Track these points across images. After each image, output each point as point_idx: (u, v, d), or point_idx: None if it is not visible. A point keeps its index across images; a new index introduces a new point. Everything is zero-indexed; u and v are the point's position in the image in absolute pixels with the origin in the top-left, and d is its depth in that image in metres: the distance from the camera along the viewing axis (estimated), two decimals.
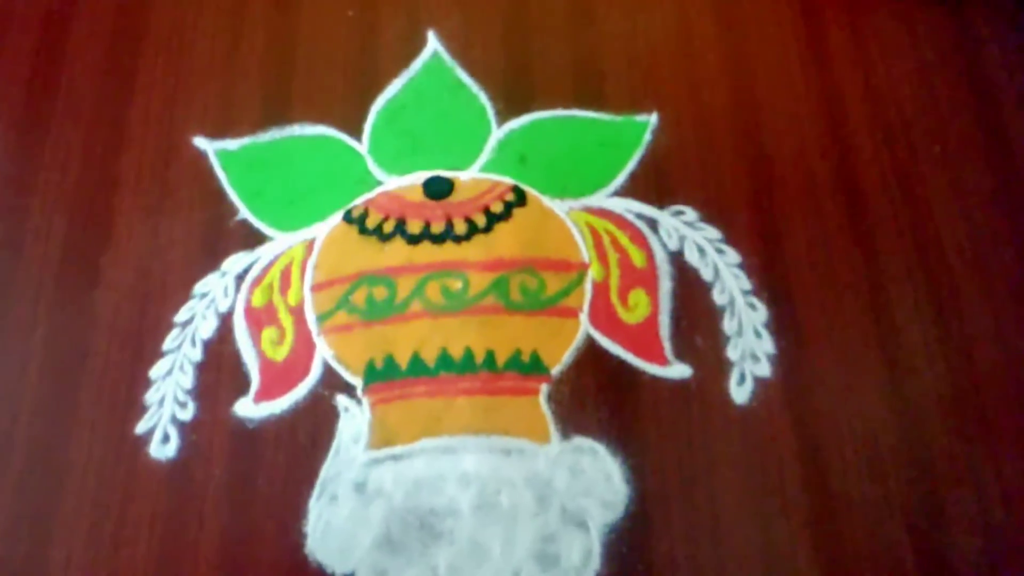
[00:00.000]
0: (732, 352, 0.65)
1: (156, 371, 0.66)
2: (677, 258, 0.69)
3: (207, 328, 0.67)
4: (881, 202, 0.70)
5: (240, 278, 0.69)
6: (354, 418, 0.64)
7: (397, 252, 0.69)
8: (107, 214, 0.72)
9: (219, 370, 0.66)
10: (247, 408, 0.65)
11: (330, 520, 0.60)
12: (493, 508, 0.61)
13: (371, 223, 0.70)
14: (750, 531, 0.60)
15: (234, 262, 0.70)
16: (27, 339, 0.67)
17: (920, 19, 0.77)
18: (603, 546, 0.60)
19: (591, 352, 0.66)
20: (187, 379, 0.66)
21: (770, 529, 0.60)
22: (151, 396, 0.65)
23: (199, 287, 0.69)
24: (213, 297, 0.68)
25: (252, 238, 0.71)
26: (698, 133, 0.74)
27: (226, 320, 0.68)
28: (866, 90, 0.75)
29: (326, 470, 0.62)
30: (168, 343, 0.67)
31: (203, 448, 0.63)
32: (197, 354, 0.67)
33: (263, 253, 0.70)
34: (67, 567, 0.60)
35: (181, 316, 0.68)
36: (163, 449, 0.64)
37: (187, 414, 0.65)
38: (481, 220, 0.70)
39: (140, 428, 0.64)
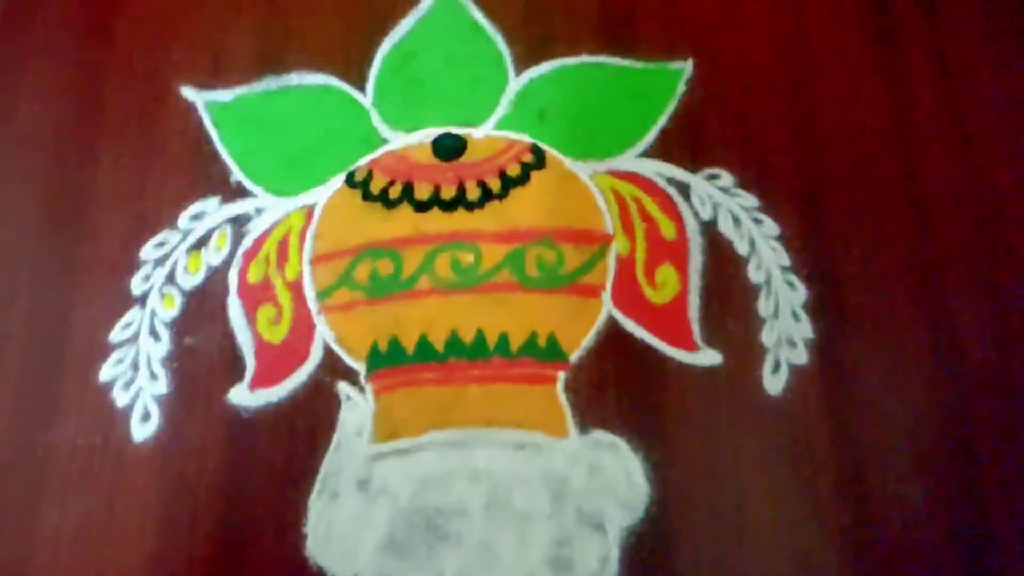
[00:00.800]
0: (767, 337, 0.60)
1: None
2: (710, 229, 0.63)
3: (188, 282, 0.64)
4: (940, 173, 0.63)
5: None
6: (357, 407, 0.60)
7: (404, 221, 0.64)
8: (88, 173, 0.66)
9: (211, 353, 0.62)
10: (242, 395, 0.60)
11: (331, 520, 0.57)
12: (505, 508, 0.57)
13: (375, 187, 0.65)
14: (780, 535, 0.56)
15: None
16: (8, 318, 0.63)
17: None
18: (621, 551, 0.56)
19: (613, 336, 0.61)
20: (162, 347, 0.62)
21: (802, 533, 0.56)
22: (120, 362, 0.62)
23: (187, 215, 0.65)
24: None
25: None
26: (738, 84, 0.67)
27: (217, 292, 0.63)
28: (934, 45, 0.67)
29: (327, 465, 0.58)
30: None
31: (195, 439, 0.59)
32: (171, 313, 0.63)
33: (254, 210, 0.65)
34: (52, 569, 0.57)
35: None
36: (144, 428, 0.60)
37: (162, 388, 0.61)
38: (496, 185, 0.64)
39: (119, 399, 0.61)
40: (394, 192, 0.64)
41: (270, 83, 0.68)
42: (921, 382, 0.59)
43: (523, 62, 0.68)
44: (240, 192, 0.66)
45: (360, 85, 0.68)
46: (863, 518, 0.56)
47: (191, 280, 0.64)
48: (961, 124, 0.65)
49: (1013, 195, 0.63)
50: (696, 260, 0.62)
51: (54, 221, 0.65)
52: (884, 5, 0.68)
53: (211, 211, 0.65)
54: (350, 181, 0.65)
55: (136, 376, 0.61)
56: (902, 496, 0.56)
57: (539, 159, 0.65)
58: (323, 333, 0.62)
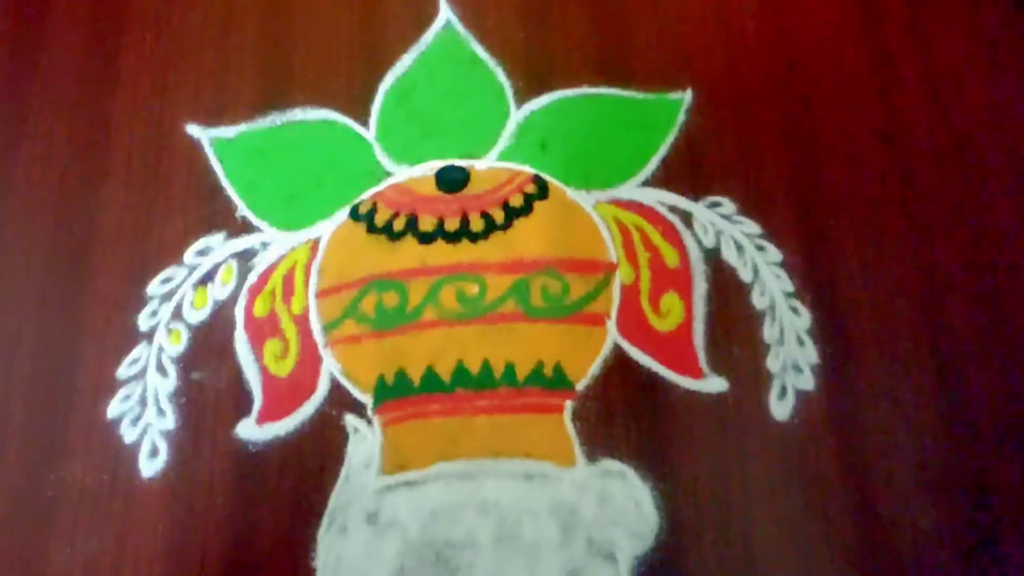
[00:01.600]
0: (772, 363, 0.60)
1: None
2: (713, 256, 0.63)
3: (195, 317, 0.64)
4: (939, 195, 0.64)
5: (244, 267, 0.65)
6: (364, 440, 0.59)
7: (409, 253, 0.64)
8: (94, 210, 0.67)
9: (218, 388, 0.61)
10: (250, 430, 0.60)
11: (341, 554, 0.57)
12: (514, 540, 0.57)
13: (380, 220, 0.65)
14: (790, 562, 0.56)
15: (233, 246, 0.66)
16: (15, 356, 0.63)
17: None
18: None
19: (619, 364, 0.61)
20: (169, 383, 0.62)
21: (812, 560, 0.56)
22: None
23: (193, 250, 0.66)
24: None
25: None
26: (737, 113, 0.67)
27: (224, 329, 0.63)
28: (926, 66, 0.67)
29: (335, 499, 0.58)
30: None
31: (203, 474, 0.59)
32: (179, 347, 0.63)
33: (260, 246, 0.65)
34: None
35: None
36: (152, 464, 0.60)
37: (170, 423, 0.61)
38: (499, 216, 0.64)
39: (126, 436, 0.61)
40: (398, 224, 0.65)
41: (274, 119, 0.69)
42: (928, 405, 0.59)
43: (523, 94, 0.69)
44: (245, 227, 0.66)
45: (363, 119, 0.68)
46: (873, 543, 0.56)
47: (198, 315, 0.64)
48: (960, 147, 0.65)
49: (1012, 217, 0.63)
50: (700, 288, 0.63)
51: (60, 258, 0.65)
52: (878, 30, 0.69)
53: (217, 246, 0.65)
54: (354, 214, 0.65)
55: (144, 412, 0.61)
56: (912, 521, 0.56)
57: (542, 189, 0.65)
58: (330, 366, 0.62)
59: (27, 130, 0.69)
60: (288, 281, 0.64)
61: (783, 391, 0.60)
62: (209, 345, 0.63)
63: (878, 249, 0.63)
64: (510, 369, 0.60)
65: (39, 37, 0.72)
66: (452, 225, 0.64)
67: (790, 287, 0.62)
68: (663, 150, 0.66)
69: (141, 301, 0.64)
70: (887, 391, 0.59)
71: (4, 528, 0.59)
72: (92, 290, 0.64)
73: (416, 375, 0.61)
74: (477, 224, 0.64)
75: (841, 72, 0.68)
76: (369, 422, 0.60)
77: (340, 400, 0.61)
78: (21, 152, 0.69)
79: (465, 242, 0.64)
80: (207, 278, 0.65)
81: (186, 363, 0.62)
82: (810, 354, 0.60)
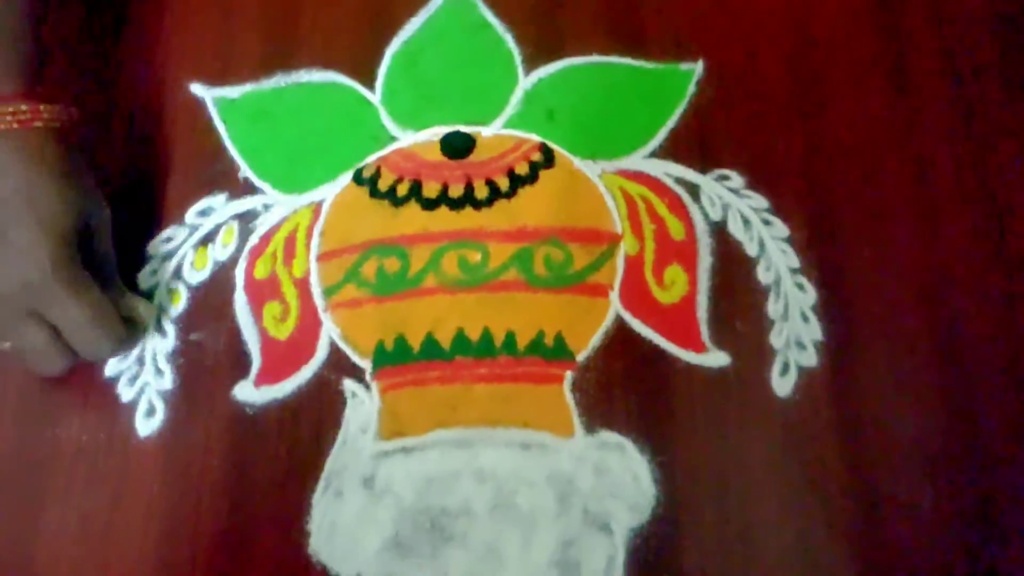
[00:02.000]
0: (776, 338, 0.60)
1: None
2: (719, 230, 0.62)
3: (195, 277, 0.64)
4: (949, 177, 0.63)
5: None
6: (362, 405, 0.59)
7: (411, 218, 0.63)
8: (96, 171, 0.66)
9: (216, 349, 0.61)
10: (247, 392, 0.60)
11: (335, 518, 0.56)
12: (510, 509, 0.56)
13: (383, 185, 0.64)
14: (788, 538, 0.55)
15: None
16: None
17: None
18: (628, 552, 0.55)
19: (621, 335, 0.60)
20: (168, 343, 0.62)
21: (810, 536, 0.55)
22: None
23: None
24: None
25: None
26: (748, 85, 0.66)
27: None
28: (942, 45, 0.66)
29: (331, 462, 0.58)
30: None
31: (199, 435, 0.59)
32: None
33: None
34: (55, 564, 0.57)
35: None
36: (148, 423, 0.60)
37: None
38: (504, 183, 0.64)
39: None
40: (402, 190, 0.64)
41: (279, 80, 0.68)
42: (931, 385, 0.58)
43: (532, 62, 0.67)
44: (248, 188, 0.65)
45: (369, 83, 0.68)
46: (872, 521, 0.55)
47: (198, 276, 0.63)
48: (970, 127, 0.64)
49: (1022, 199, 0.62)
50: (705, 261, 0.62)
51: None
52: (895, 7, 0.68)
53: (218, 207, 0.65)
54: (358, 178, 0.65)
55: (141, 371, 0.61)
56: (912, 500, 0.56)
57: (548, 158, 0.65)
58: (329, 330, 0.61)
59: None
60: (289, 244, 0.63)
61: (785, 367, 0.59)
62: (208, 306, 0.62)
63: (886, 228, 0.62)
64: (510, 338, 0.60)
65: None
66: (456, 192, 0.64)
67: (796, 263, 0.61)
68: (672, 121, 0.65)
69: (141, 260, 0.64)
70: (890, 369, 0.59)
71: (1, 484, 0.59)
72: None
73: (416, 342, 0.60)
74: (481, 191, 0.64)
75: (855, 50, 0.67)
76: (367, 387, 0.60)
77: (339, 364, 0.60)
78: None
79: (469, 209, 0.63)
80: (208, 239, 0.64)
81: (185, 323, 0.62)
82: (814, 331, 0.60)
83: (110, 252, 0.60)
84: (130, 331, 0.59)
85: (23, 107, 0.56)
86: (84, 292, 0.55)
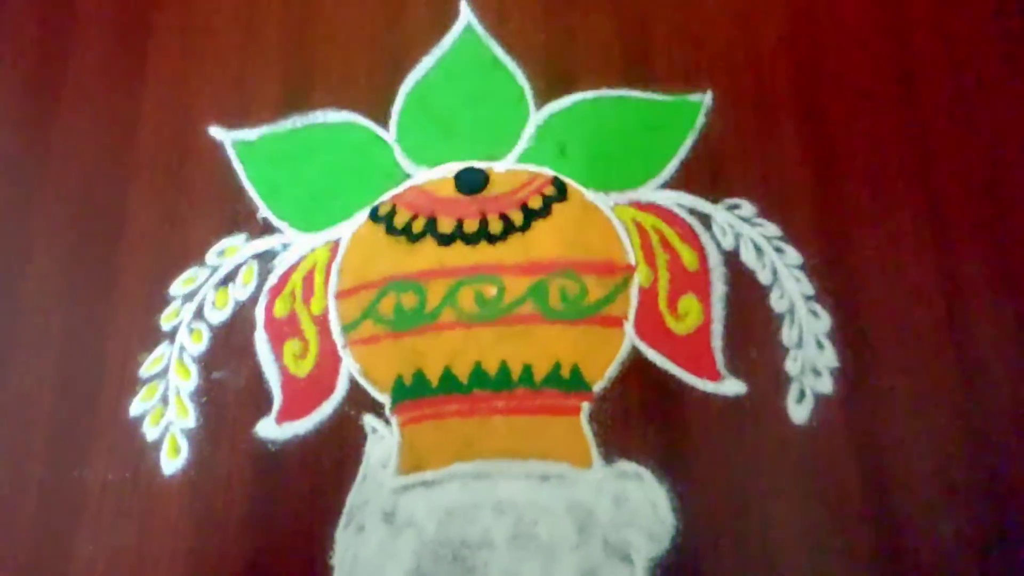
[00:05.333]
0: (791, 366, 0.60)
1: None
2: (732, 259, 0.63)
3: (216, 317, 0.65)
4: (961, 199, 0.64)
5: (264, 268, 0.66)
6: (382, 440, 0.60)
7: (427, 254, 0.64)
8: (119, 211, 0.68)
9: (238, 387, 0.62)
10: (269, 429, 0.61)
11: (358, 552, 0.57)
12: (530, 540, 0.57)
13: (399, 222, 0.65)
14: (807, 568, 0.56)
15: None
16: (42, 355, 0.64)
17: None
18: None
19: (636, 366, 0.61)
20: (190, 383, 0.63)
21: (829, 566, 0.56)
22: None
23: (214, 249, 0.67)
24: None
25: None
26: (757, 115, 0.67)
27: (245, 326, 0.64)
28: (951, 72, 0.67)
29: (353, 497, 0.59)
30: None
31: (223, 472, 0.60)
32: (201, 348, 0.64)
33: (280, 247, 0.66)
34: None
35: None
36: (173, 462, 0.61)
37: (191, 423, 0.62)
38: (518, 218, 0.65)
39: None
40: (417, 226, 0.65)
41: (295, 121, 0.70)
42: (948, 411, 0.59)
43: (543, 96, 0.69)
44: (266, 228, 0.67)
45: (383, 122, 0.69)
46: (891, 548, 0.56)
47: (219, 315, 0.64)
48: (981, 149, 0.65)
49: None
50: (719, 290, 0.63)
51: (87, 256, 0.67)
52: (902, 36, 0.69)
53: (238, 247, 0.66)
54: (374, 216, 0.66)
55: (166, 410, 0.62)
56: (931, 526, 0.56)
57: (560, 192, 0.66)
58: (349, 366, 0.62)
59: (56, 131, 0.71)
60: (308, 282, 0.65)
61: (801, 394, 0.59)
62: (230, 345, 0.64)
63: (899, 253, 0.62)
64: (527, 370, 0.61)
65: (67, 43, 0.74)
66: (471, 227, 0.65)
67: (810, 290, 0.62)
68: (682, 152, 0.67)
69: (164, 301, 0.65)
70: (907, 397, 0.59)
71: (31, 522, 0.60)
72: (117, 289, 0.65)
73: (434, 376, 0.61)
74: (496, 226, 0.65)
75: (862, 72, 0.68)
76: (387, 422, 0.61)
77: (358, 400, 0.61)
78: (51, 152, 0.70)
79: (483, 243, 0.64)
80: (228, 279, 0.65)
81: (207, 362, 0.63)
82: (829, 358, 0.60)
83: None
84: None
85: None
86: None
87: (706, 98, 0.68)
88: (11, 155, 0.70)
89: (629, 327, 0.62)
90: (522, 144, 0.68)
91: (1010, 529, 0.56)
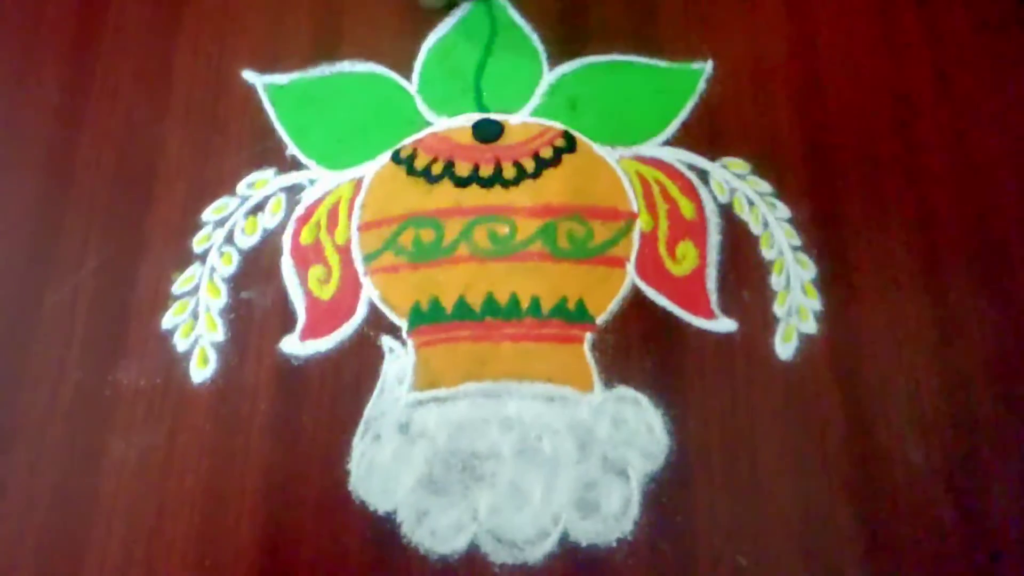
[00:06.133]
0: (779, 308, 0.65)
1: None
2: (727, 211, 0.68)
3: (246, 242, 0.69)
4: (942, 163, 0.69)
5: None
6: (399, 359, 0.64)
7: (445, 194, 0.69)
8: (156, 145, 0.71)
9: (265, 306, 0.66)
10: (293, 345, 0.65)
11: (373, 459, 0.61)
12: (535, 453, 0.61)
13: (419, 164, 0.70)
14: (790, 486, 0.60)
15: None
16: (76, 273, 0.68)
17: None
18: (643, 495, 0.60)
19: (637, 303, 0.65)
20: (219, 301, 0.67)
21: (810, 485, 0.60)
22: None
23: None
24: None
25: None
26: (754, 82, 0.72)
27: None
28: (934, 40, 0.73)
29: (370, 409, 0.63)
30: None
31: (248, 383, 0.64)
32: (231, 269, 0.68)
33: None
34: (117, 494, 0.61)
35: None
36: (201, 372, 0.64)
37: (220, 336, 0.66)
38: (530, 165, 0.69)
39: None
40: (436, 169, 0.69)
41: (324, 69, 0.74)
42: (922, 352, 0.63)
43: (556, 58, 0.74)
44: (294, 165, 0.71)
45: (406, 74, 0.74)
46: (867, 473, 0.60)
47: (248, 240, 0.68)
48: (961, 118, 0.70)
49: (1008, 183, 0.68)
50: (714, 238, 0.67)
51: (125, 185, 0.70)
52: (895, 9, 0.74)
53: (267, 180, 0.70)
54: (396, 158, 0.70)
55: (196, 324, 0.66)
56: (903, 454, 0.60)
57: (570, 144, 0.70)
58: (369, 292, 0.66)
59: (98, 71, 0.74)
60: (332, 214, 0.69)
61: (787, 334, 0.64)
62: (258, 268, 0.67)
63: (881, 210, 0.67)
64: (536, 302, 0.65)
65: None
66: (486, 172, 0.69)
67: (797, 241, 0.67)
68: (684, 114, 0.71)
69: (196, 226, 0.69)
70: (884, 338, 0.64)
71: (67, 420, 0.63)
72: (152, 214, 0.69)
73: (449, 303, 0.65)
74: (509, 172, 0.69)
75: (854, 46, 0.73)
76: (403, 343, 0.65)
77: (377, 323, 0.65)
78: (92, 91, 0.74)
79: (497, 187, 0.69)
80: (257, 208, 0.69)
81: (236, 283, 0.67)
82: (814, 302, 0.65)
83: None
84: None
85: None
86: None
87: (707, 66, 0.73)
88: (56, 92, 0.74)
89: (631, 267, 0.66)
90: (535, 100, 0.72)
91: (973, 455, 0.60)
